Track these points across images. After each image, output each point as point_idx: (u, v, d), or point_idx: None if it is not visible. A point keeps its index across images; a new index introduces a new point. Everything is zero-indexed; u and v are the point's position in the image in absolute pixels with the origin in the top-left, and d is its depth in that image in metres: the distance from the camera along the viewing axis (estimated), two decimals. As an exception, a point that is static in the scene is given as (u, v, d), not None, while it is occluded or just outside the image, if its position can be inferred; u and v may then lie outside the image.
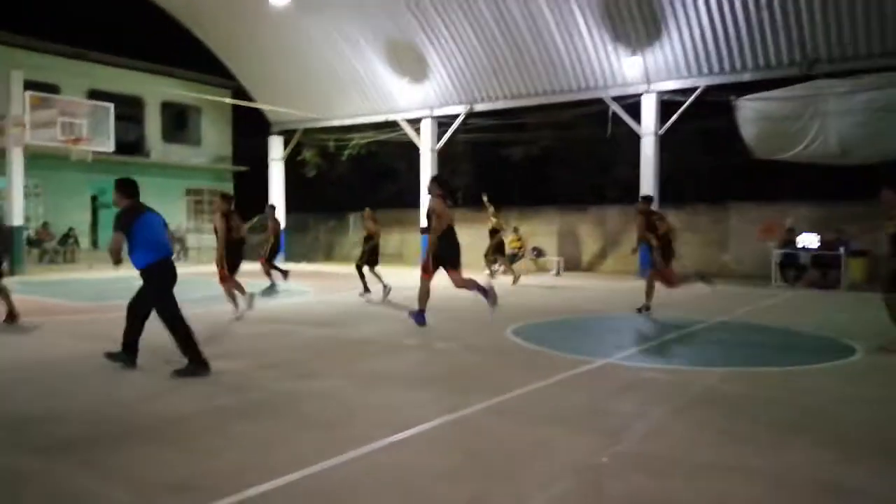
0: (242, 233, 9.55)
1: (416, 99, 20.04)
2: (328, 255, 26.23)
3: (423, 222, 7.87)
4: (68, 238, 20.79)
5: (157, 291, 5.80)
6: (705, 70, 15.79)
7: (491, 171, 25.97)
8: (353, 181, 26.84)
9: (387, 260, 22.20)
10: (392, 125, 21.45)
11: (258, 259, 12.34)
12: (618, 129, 17.49)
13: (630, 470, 3.60)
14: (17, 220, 16.92)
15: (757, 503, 3.22)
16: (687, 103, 16.06)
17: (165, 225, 6.13)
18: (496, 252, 16.04)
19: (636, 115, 16.74)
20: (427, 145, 20.27)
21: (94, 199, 22.90)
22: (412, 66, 19.31)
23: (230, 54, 22.27)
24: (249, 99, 23.05)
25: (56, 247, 20.64)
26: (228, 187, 26.30)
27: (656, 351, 7.13)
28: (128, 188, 5.99)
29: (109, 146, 17.10)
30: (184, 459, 3.67)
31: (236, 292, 9.21)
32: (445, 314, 9.90)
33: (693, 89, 15.99)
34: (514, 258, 18.75)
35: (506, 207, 22.89)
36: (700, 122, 17.96)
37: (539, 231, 21.14)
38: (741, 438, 4.15)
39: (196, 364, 5.63)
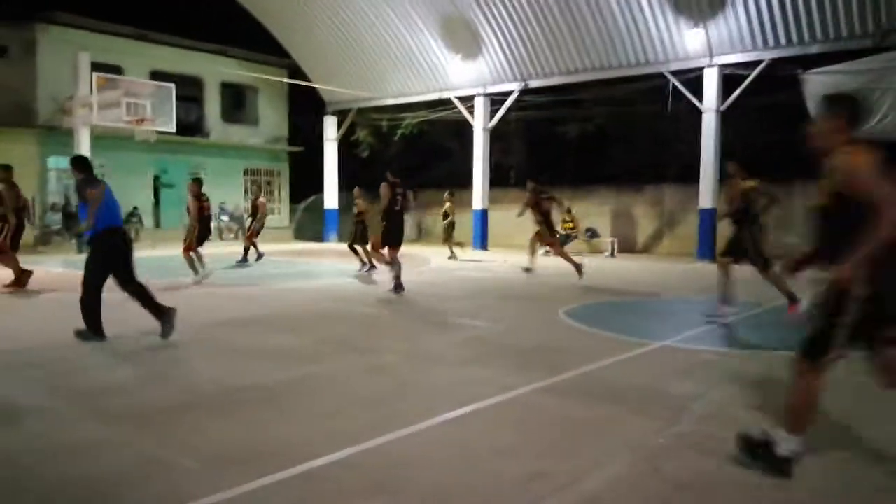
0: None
1: (470, 76, 19.88)
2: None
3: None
4: (132, 217, 21.52)
5: (94, 258, 6.09)
6: (770, 42, 15.14)
7: (544, 149, 25.65)
8: (405, 161, 26.89)
9: (438, 239, 22.35)
10: (445, 103, 21.37)
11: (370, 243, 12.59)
12: (677, 104, 17.00)
13: (688, 451, 3.55)
14: (85, 198, 17.57)
15: (813, 489, 3.14)
16: (751, 77, 15.45)
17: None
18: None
19: (697, 91, 16.21)
20: (480, 123, 20.13)
21: (156, 178, 23.60)
22: (466, 42, 19.13)
23: (286, 33, 22.49)
24: (305, 78, 23.29)
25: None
26: (284, 168, 26.79)
27: (715, 334, 6.97)
28: (83, 163, 6.53)
29: (171, 126, 17.56)
30: (247, 431, 3.79)
31: (197, 265, 10.82)
32: (497, 294, 9.91)
33: (757, 63, 15.36)
34: (566, 239, 18.56)
35: (558, 186, 22.68)
36: (764, 97, 17.27)
37: (592, 211, 20.83)
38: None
39: (92, 331, 5.97)
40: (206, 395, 4.46)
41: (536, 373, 5.03)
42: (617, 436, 3.80)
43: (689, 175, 17.60)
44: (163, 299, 6.33)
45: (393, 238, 9.64)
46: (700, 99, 16.13)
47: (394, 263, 9.61)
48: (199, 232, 10.95)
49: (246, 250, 14.37)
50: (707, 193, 16.24)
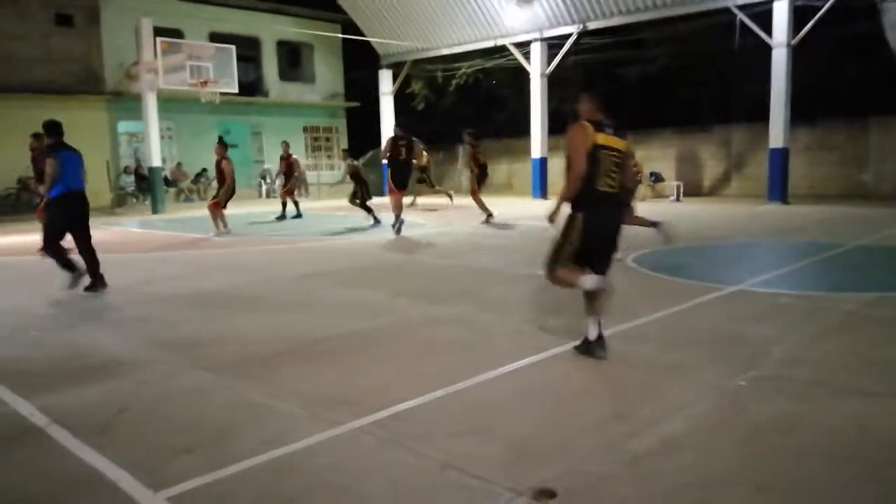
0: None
1: (525, 21, 19.44)
2: (433, 186, 26.53)
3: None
4: (201, 177, 22.22)
5: (51, 219, 6.58)
6: (848, -31, 14.24)
7: (604, 93, 25.01)
8: (461, 111, 26.72)
9: (496, 190, 22.30)
10: (500, 51, 21.01)
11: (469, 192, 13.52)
12: (745, 41, 16.26)
13: (770, 393, 3.58)
14: (155, 161, 18.24)
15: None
16: (824, 8, 14.59)
17: (82, 163, 6.87)
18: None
19: (766, 25, 15.44)
20: (537, 70, 19.75)
21: (219, 139, 24.17)
22: (521, -15, 18.68)
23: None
24: (359, 33, 23.24)
25: (190, 185, 22.14)
26: (341, 123, 27.00)
27: (792, 277, 6.85)
28: (55, 128, 6.93)
29: (234, 87, 17.90)
30: (336, 377, 4.01)
31: (219, 221, 11.76)
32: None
33: (832, -8, 14.49)
34: (629, 184, 18.23)
35: (621, 131, 22.17)
36: (839, 28, 16.32)
37: (655, 155, 20.35)
38: (887, 364, 3.99)
39: (69, 272, 6.61)
40: (298, 344, 4.72)
41: (611, 319, 5.06)
42: (695, 379, 3.85)
43: (759, 114, 16.94)
44: (236, 252, 6.62)
45: (395, 181, 11.03)
46: (769, 33, 15.37)
47: (396, 207, 10.89)
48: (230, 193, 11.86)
49: (284, 205, 15.18)
50: (778, 133, 15.62)
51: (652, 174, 19.24)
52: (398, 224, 10.91)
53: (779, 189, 15.66)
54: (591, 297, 4.23)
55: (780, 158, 15.66)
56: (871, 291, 6.02)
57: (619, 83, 23.49)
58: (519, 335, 4.84)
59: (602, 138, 4.14)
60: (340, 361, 4.32)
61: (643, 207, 15.60)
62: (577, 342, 4.34)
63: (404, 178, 11.31)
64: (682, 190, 18.09)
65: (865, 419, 3.22)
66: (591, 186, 4.09)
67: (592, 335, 4.24)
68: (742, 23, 15.77)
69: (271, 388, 3.81)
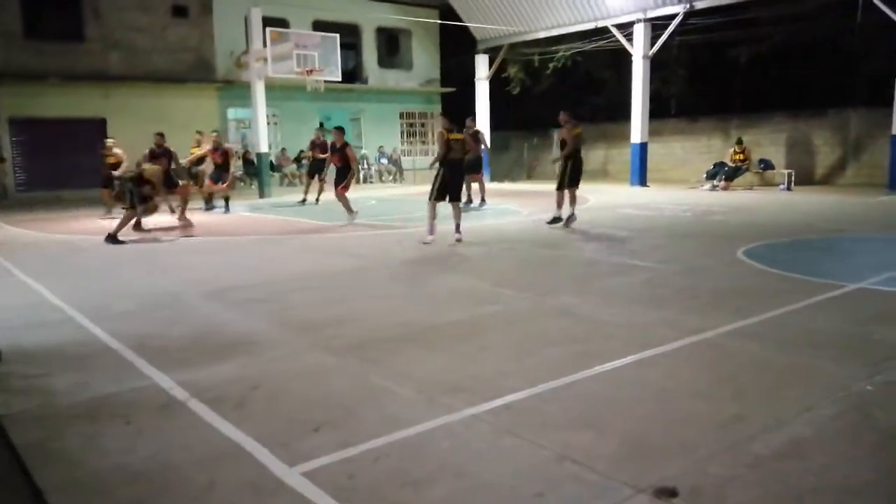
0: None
1: (628, 2, 18.89)
2: (530, 174, 26.38)
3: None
4: (300, 160, 23.01)
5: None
6: None
7: (709, 75, 24.02)
8: (557, 96, 26.32)
9: (591, 176, 21.94)
10: (600, 32, 20.54)
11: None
12: (869, 17, 15.16)
13: (900, 400, 3.42)
14: (262, 147, 19.08)
15: None
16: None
17: None
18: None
19: (892, 1, 14.34)
20: (639, 52, 19.16)
21: (320, 125, 24.98)
22: (624, -35, 18.14)
23: (437, -26, 22.52)
24: (456, 18, 23.30)
25: (294, 170, 22.99)
26: (436, 109, 27.23)
27: (921, 275, 6.42)
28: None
29: (337, 76, 18.40)
30: (449, 363, 4.13)
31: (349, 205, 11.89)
32: (666, 232, 9.68)
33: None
34: (736, 172, 17.51)
35: (726, 115, 21.25)
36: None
37: (764, 140, 19.40)
38: None
39: None
40: (410, 330, 4.89)
41: (722, 315, 4.97)
42: (817, 381, 3.72)
43: (881, 97, 15.80)
44: (339, 238, 6.84)
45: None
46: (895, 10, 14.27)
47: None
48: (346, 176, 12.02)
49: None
50: (903, 117, 14.54)
51: (761, 161, 18.36)
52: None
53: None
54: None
55: (906, 145, 14.59)
56: None
57: (727, 64, 22.46)
58: (629, 328, 4.80)
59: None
60: (452, 348, 4.44)
61: (750, 196, 15.00)
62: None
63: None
64: (793, 178, 17.15)
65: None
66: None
67: None
68: (866, -1, 14.72)
69: (388, 372, 3.98)
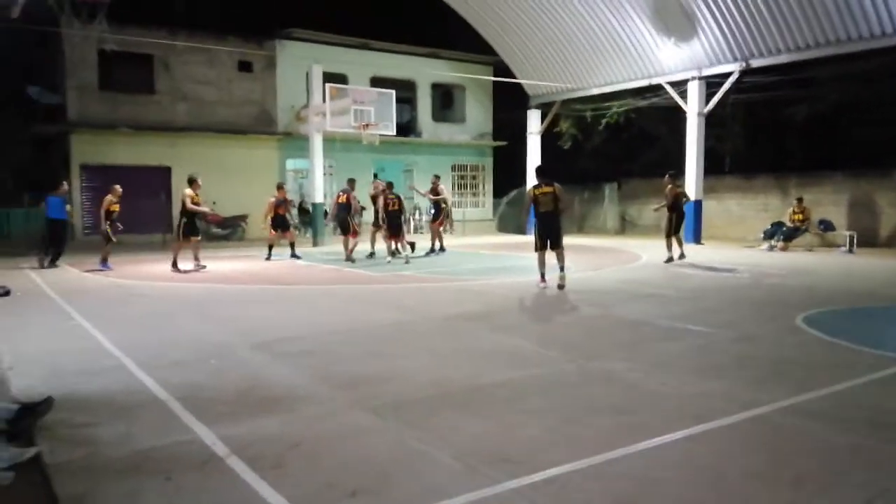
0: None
1: (683, 59, 18.89)
2: (580, 227, 26.19)
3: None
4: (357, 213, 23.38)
5: None
6: None
7: (765, 132, 23.65)
8: (609, 150, 26.32)
9: (644, 231, 21.66)
10: (654, 89, 20.54)
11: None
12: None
13: (980, 494, 3.16)
14: (318, 197, 19.55)
15: None
16: None
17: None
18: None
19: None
20: (694, 109, 19.04)
21: (374, 176, 25.49)
22: (679, 22, 18.16)
23: (492, 31, 23.02)
24: (509, 74, 23.70)
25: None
26: (488, 162, 27.54)
27: None
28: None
29: (392, 130, 18.84)
30: (490, 429, 4.04)
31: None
32: (722, 295, 9.40)
33: None
34: (795, 232, 17.01)
35: (784, 174, 20.79)
36: None
37: (825, 200, 18.84)
38: None
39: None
40: (451, 390, 4.82)
41: (780, 389, 4.74)
42: (882, 466, 3.49)
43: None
44: (389, 288, 6.82)
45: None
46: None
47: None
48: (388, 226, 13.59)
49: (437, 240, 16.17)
50: (975, 179, 13.94)
51: (821, 222, 17.79)
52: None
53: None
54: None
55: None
56: None
57: (784, 123, 22.10)
58: (679, 399, 4.62)
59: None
60: (494, 412, 4.34)
61: (810, 258, 14.50)
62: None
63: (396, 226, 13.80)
64: (855, 240, 16.54)
65: None
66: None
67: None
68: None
69: (428, 435, 3.92)
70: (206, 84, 21.42)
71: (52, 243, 13.36)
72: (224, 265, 13.49)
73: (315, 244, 19.03)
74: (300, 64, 21.41)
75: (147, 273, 12.41)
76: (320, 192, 19.59)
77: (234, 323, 7.56)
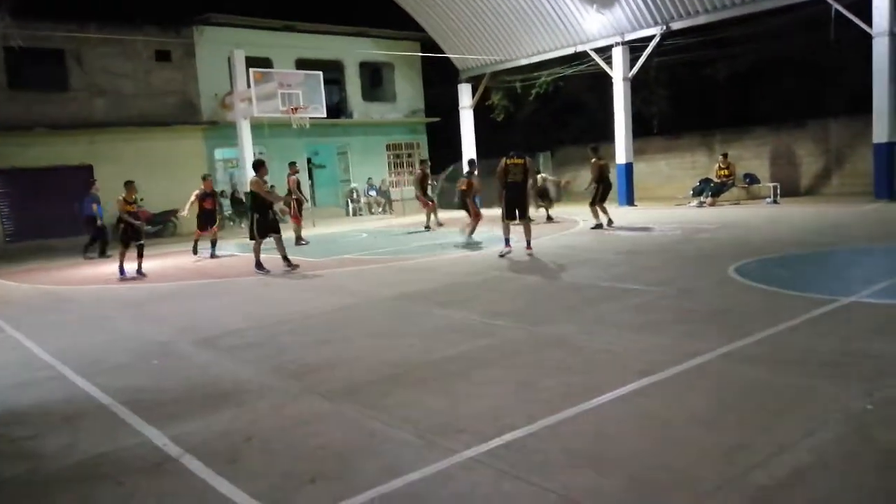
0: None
1: (606, 26, 19.16)
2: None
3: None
4: (292, 194, 22.92)
5: None
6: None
7: (689, 93, 24.26)
8: (540, 120, 26.59)
9: (578, 197, 22.05)
10: (580, 57, 20.79)
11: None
12: (843, 31, 15.42)
13: (902, 418, 3.39)
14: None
15: None
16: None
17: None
18: None
19: (864, 14, 14.59)
20: (619, 74, 19.39)
21: (308, 160, 25.04)
22: (600, -10, 18.42)
23: (416, 5, 22.76)
24: (438, 50, 23.56)
25: (283, 207, 22.91)
26: (423, 139, 27.40)
27: (912, 285, 6.43)
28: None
29: (322, 112, 18.50)
30: (445, 402, 4.08)
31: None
32: (657, 253, 9.69)
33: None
34: (721, 187, 17.63)
35: (708, 131, 21.47)
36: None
37: (748, 155, 19.58)
38: None
39: None
40: (404, 369, 4.83)
41: (718, 338, 4.95)
42: (817, 402, 3.69)
43: (860, 107, 16.04)
44: (332, 274, 6.78)
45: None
46: (868, 22, 14.51)
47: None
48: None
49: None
50: (882, 126, 14.74)
51: (746, 175, 18.51)
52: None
53: (886, 186, 14.74)
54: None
55: (886, 153, 14.74)
56: None
57: (706, 83, 22.75)
58: (626, 356, 4.76)
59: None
60: (447, 386, 4.38)
61: (738, 211, 15.07)
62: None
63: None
64: (778, 191, 17.28)
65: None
66: None
67: None
68: (837, 13, 14.98)
69: (384, 415, 3.92)
70: (122, 76, 20.49)
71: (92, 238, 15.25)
72: (158, 263, 13.07)
73: (252, 237, 18.58)
74: (221, 50, 20.69)
75: (78, 277, 11.92)
76: (254, 180, 19.07)
77: (174, 321, 7.36)
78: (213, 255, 13.59)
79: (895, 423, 3.33)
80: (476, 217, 13.27)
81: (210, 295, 9.18)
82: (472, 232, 13.08)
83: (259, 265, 10.68)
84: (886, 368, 4.10)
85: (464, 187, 14.27)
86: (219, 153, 22.73)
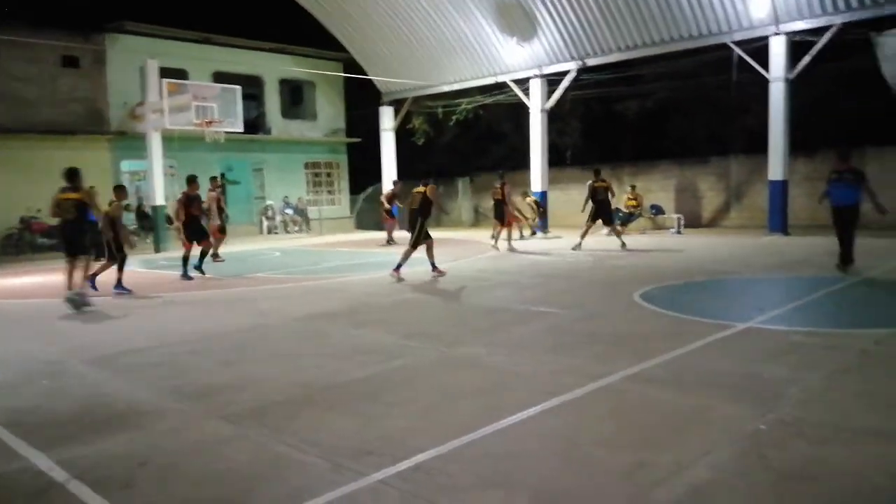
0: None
1: (525, 58, 19.76)
2: (438, 221, 26.64)
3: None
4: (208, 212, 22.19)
5: None
6: (841, 6, 14.50)
7: (602, 127, 25.31)
8: (461, 146, 27.00)
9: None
10: (500, 87, 21.32)
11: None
12: (743, 75, 16.52)
13: (790, 437, 3.58)
14: (158, 199, 18.33)
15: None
16: (820, 44, 14.84)
17: None
18: None
19: (763, 60, 15.71)
20: (537, 105, 20.00)
21: (222, 175, 24.33)
22: (521, 24, 18.99)
23: (341, 28, 22.77)
24: (360, 71, 23.57)
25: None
26: (343, 159, 27.21)
27: (802, 313, 6.87)
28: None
29: (239, 126, 18.06)
30: (354, 424, 4.00)
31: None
32: (568, 278, 9.95)
33: (827, 28, 14.75)
34: (629, 217, 18.36)
35: (618, 164, 22.40)
36: (835, 63, 16.59)
37: (655, 187, 20.53)
38: (909, 406, 3.99)
39: None
40: (312, 391, 4.70)
41: (623, 360, 5.10)
42: (714, 423, 3.84)
43: (757, 146, 17.15)
44: (242, 291, 6.60)
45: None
46: (766, 68, 15.62)
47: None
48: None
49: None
50: (777, 165, 15.82)
51: (653, 207, 19.37)
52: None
53: (779, 220, 15.76)
54: None
55: (780, 190, 15.81)
56: (882, 327, 6.04)
57: (618, 117, 23.80)
58: (534, 378, 4.83)
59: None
60: (357, 408, 4.30)
61: (644, 240, 15.73)
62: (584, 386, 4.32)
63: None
64: (682, 222, 18.18)
65: (891, 463, 3.21)
66: None
67: None
68: (740, 58, 16.04)
69: (290, 438, 3.80)
70: (25, 81, 19.32)
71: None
72: (56, 277, 12.28)
73: (157, 250, 17.86)
74: (134, 59, 19.91)
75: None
76: (161, 194, 18.36)
77: (68, 338, 6.92)
78: (192, 274, 11.54)
79: (786, 444, 3.50)
80: (511, 222, 14.86)
81: (112, 313, 8.69)
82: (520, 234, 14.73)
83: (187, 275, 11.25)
84: (778, 391, 4.32)
85: (499, 196, 14.84)
86: (126, 165, 21.72)
